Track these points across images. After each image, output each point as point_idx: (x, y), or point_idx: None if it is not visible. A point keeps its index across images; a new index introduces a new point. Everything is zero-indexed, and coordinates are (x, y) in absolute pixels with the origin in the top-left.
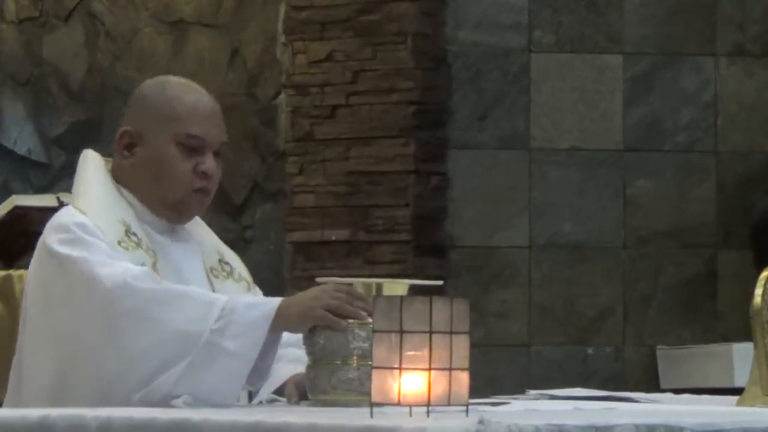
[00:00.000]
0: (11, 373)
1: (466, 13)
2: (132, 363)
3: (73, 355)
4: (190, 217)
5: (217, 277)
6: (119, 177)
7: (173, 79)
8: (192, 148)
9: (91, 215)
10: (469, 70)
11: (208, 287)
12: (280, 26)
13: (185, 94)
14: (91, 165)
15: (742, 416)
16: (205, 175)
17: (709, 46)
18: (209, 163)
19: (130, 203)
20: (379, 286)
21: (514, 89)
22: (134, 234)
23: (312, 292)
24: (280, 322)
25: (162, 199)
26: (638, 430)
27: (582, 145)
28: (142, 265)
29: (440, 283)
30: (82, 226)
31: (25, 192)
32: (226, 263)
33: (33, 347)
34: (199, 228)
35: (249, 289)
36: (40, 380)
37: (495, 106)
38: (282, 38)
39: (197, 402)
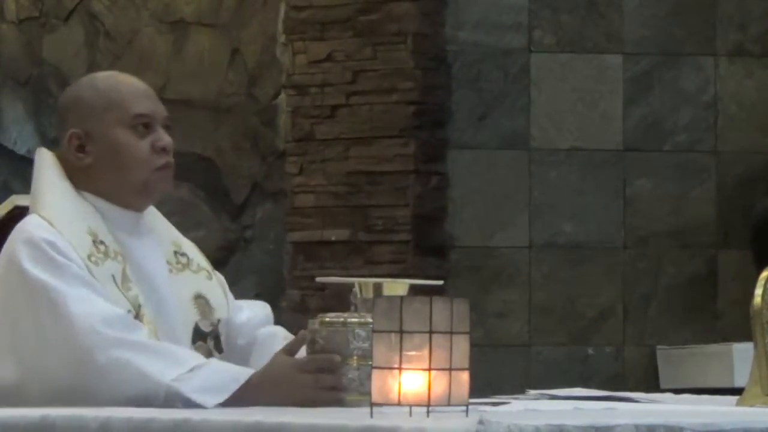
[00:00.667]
0: None
1: (466, 13)
2: (93, 400)
3: (31, 372)
4: (158, 196)
5: (171, 271)
6: (77, 180)
7: (100, 73)
8: (143, 126)
9: (60, 227)
10: (469, 70)
11: (172, 284)
12: (280, 26)
13: (117, 81)
14: (49, 168)
15: (742, 416)
16: (164, 150)
17: (709, 46)
18: (165, 137)
19: (92, 204)
20: (379, 286)
21: (514, 89)
22: (101, 242)
23: (282, 382)
24: (246, 394)
25: (128, 186)
26: (638, 430)
27: (582, 145)
28: (113, 277)
29: (440, 283)
30: (52, 245)
31: (25, 192)
32: (183, 254)
33: None
34: (156, 220)
35: (210, 278)
36: None
37: (495, 106)
38: (282, 38)
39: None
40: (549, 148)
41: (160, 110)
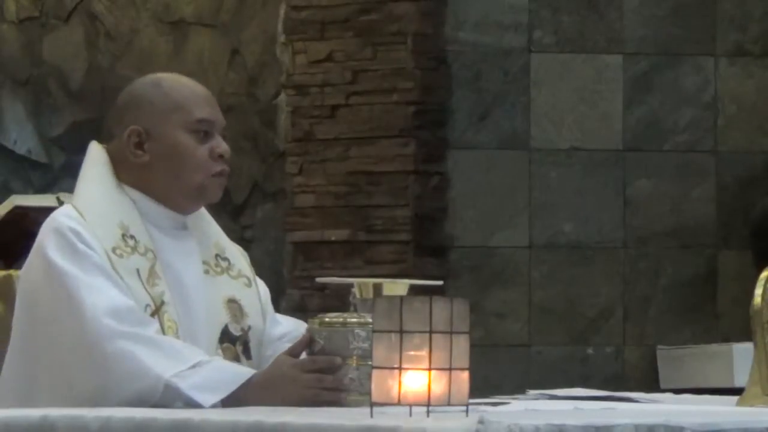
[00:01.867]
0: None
1: (466, 13)
2: (100, 392)
3: (44, 367)
4: (210, 201)
5: (207, 272)
6: (127, 178)
7: (164, 74)
8: (203, 133)
9: (90, 218)
10: (469, 70)
11: (202, 286)
12: (280, 26)
13: (181, 84)
14: (94, 160)
15: (742, 416)
16: (221, 157)
17: (709, 46)
18: (223, 145)
19: (132, 199)
20: (378, 286)
21: (514, 89)
22: (132, 237)
23: (283, 382)
24: (247, 394)
25: (182, 188)
26: (638, 430)
27: (582, 145)
28: (137, 272)
29: (440, 283)
30: (77, 234)
31: (25, 192)
32: (224, 258)
33: (12, 347)
34: (201, 222)
35: (249, 286)
36: (9, 381)
37: (495, 106)
38: (282, 38)
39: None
40: (549, 148)
41: (220, 118)
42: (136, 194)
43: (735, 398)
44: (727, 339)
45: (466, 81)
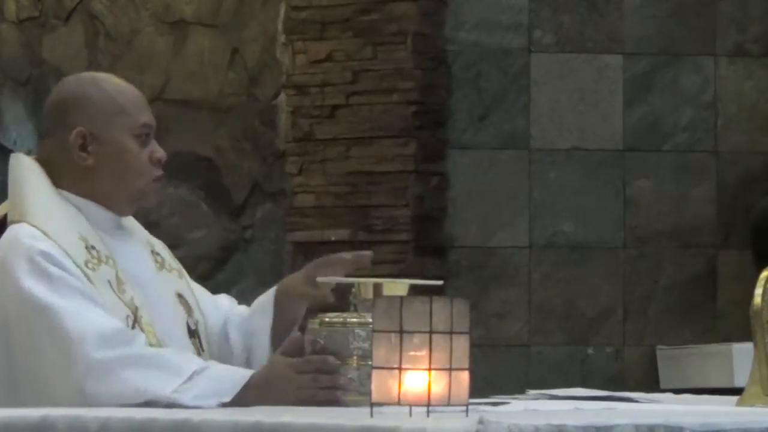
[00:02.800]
0: None
1: (466, 13)
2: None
3: (28, 397)
4: (147, 206)
5: (155, 269)
6: (66, 182)
7: (100, 74)
8: (144, 137)
9: (54, 236)
10: (469, 70)
11: (159, 283)
12: (280, 26)
13: (121, 87)
14: (30, 172)
15: (742, 416)
16: (159, 162)
17: (709, 46)
18: (161, 150)
19: (76, 207)
20: (378, 286)
21: (514, 89)
22: (93, 247)
23: (281, 382)
24: (245, 395)
25: (125, 192)
26: (638, 430)
27: (582, 145)
28: (109, 282)
29: (440, 283)
30: (48, 256)
31: None
32: (157, 253)
33: None
34: (129, 221)
35: (181, 277)
36: None
37: (495, 106)
38: (282, 38)
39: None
40: (549, 148)
41: (154, 121)
42: (79, 200)
43: (735, 398)
44: (727, 339)
45: (466, 81)
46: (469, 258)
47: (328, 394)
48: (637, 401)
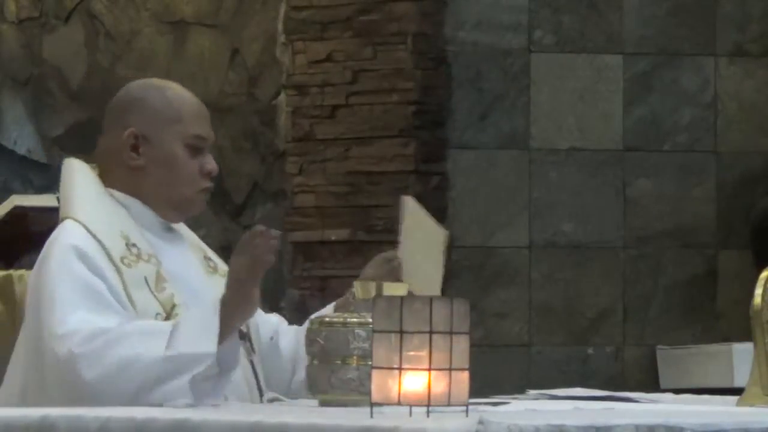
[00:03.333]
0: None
1: (466, 13)
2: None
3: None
4: (192, 215)
5: (205, 273)
6: (115, 181)
7: (168, 82)
8: (197, 148)
9: (94, 231)
10: (469, 70)
11: (209, 287)
12: (280, 26)
13: (184, 97)
14: (80, 174)
15: (742, 416)
16: (209, 174)
17: (709, 46)
18: (213, 163)
19: (125, 207)
20: (379, 287)
21: (514, 89)
22: (134, 245)
23: (234, 268)
24: (229, 310)
25: (169, 200)
26: (638, 430)
27: (582, 145)
28: (145, 279)
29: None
30: (78, 251)
31: (25, 192)
32: (210, 259)
33: (16, 354)
34: (181, 226)
35: None
36: (11, 388)
37: (495, 106)
38: (282, 38)
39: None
40: (549, 148)
41: (212, 135)
42: (126, 199)
43: (735, 398)
44: (727, 339)
45: (466, 81)
46: (469, 258)
47: (267, 253)
48: (637, 401)
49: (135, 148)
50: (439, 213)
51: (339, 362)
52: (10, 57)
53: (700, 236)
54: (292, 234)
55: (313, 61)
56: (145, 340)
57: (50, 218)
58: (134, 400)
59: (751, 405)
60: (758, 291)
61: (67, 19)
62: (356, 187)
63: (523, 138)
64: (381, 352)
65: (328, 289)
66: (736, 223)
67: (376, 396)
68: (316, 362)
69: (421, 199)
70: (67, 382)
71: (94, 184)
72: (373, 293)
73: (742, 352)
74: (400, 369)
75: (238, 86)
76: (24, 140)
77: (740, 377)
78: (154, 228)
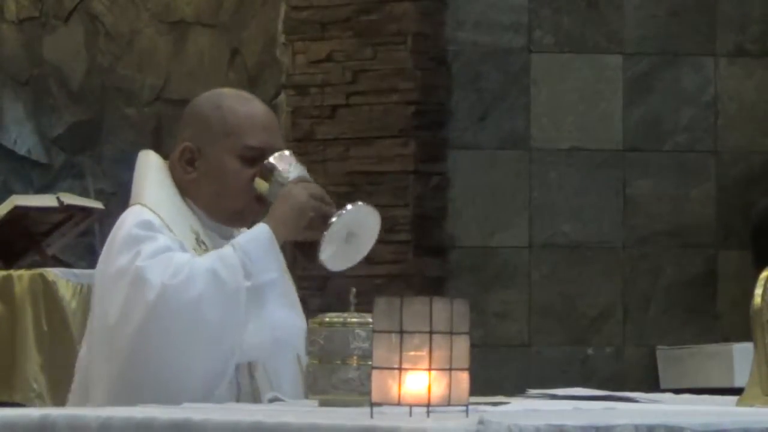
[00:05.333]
0: (77, 368)
1: (466, 13)
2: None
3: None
4: (248, 225)
5: None
6: (182, 188)
7: (227, 92)
8: (252, 159)
9: (166, 220)
10: (469, 70)
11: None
12: (280, 26)
13: (240, 107)
14: (155, 167)
15: (742, 416)
16: None
17: (709, 46)
18: None
19: (193, 211)
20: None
21: (514, 89)
22: (203, 242)
23: (293, 205)
24: (279, 239)
25: (223, 210)
26: (638, 430)
27: (582, 145)
28: None
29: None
30: (147, 224)
31: (25, 192)
32: None
33: (95, 353)
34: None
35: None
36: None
37: (495, 106)
38: (282, 38)
39: (283, 397)
40: (549, 148)
41: (273, 144)
42: (191, 203)
43: (735, 398)
44: (727, 339)
45: (466, 81)
46: (469, 258)
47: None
48: (637, 401)
49: (191, 162)
50: (439, 213)
51: (339, 362)
52: (10, 57)
53: (700, 236)
54: None
55: (313, 61)
56: (224, 274)
57: (50, 218)
58: (220, 328)
59: (751, 405)
60: (758, 291)
61: (67, 19)
62: (356, 187)
63: (523, 138)
64: (381, 352)
65: (328, 289)
66: (736, 223)
67: (376, 396)
68: (316, 362)
69: (421, 198)
70: (167, 309)
71: (168, 180)
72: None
73: (742, 352)
74: (400, 369)
75: (238, 86)
76: (24, 140)
77: (740, 377)
78: (220, 232)
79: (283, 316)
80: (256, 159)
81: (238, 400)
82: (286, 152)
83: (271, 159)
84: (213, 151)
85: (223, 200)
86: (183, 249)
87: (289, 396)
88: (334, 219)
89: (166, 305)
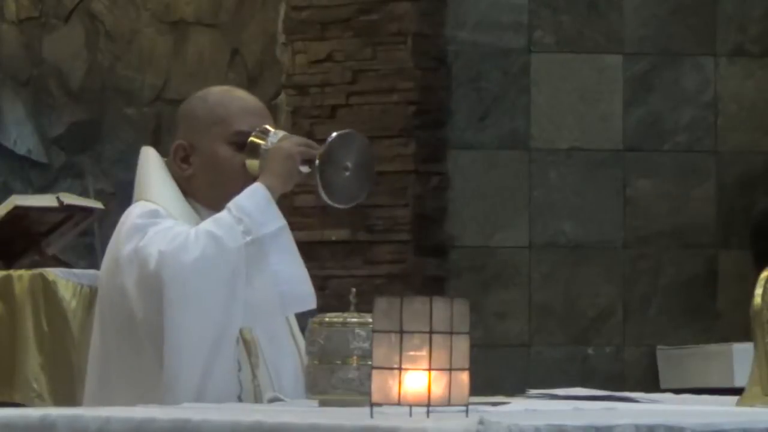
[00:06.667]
0: (90, 367)
1: (466, 13)
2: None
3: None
4: None
5: None
6: (181, 187)
7: (215, 89)
8: (243, 144)
9: (169, 209)
10: (469, 70)
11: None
12: (280, 26)
13: (227, 98)
14: (158, 165)
15: (742, 416)
16: None
17: (709, 46)
18: None
19: (196, 210)
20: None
21: (514, 89)
22: None
23: (281, 156)
24: (275, 192)
25: (222, 197)
26: (638, 430)
27: (582, 145)
28: None
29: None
30: (151, 213)
31: (25, 192)
32: None
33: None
34: None
35: None
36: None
37: (495, 106)
38: (282, 38)
39: (283, 397)
40: (549, 148)
41: (261, 127)
42: (197, 205)
43: (735, 398)
44: (727, 339)
45: (466, 81)
46: (469, 258)
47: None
48: (637, 401)
49: (185, 159)
50: (439, 213)
51: (339, 362)
52: (10, 57)
53: (700, 236)
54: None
55: (313, 61)
56: (222, 233)
57: (50, 218)
58: (228, 284)
59: (751, 405)
60: (758, 291)
61: (67, 19)
62: None
63: (523, 138)
64: (381, 352)
65: (328, 289)
66: (736, 223)
67: (376, 396)
68: (316, 362)
69: (421, 198)
70: (169, 276)
71: (170, 181)
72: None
73: (742, 352)
74: (400, 369)
75: (238, 86)
76: (24, 140)
77: (740, 377)
78: None
79: (287, 270)
80: (245, 143)
81: (240, 398)
82: (266, 126)
83: (253, 136)
84: (204, 143)
85: (220, 188)
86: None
87: (285, 356)
88: (318, 153)
89: (166, 270)
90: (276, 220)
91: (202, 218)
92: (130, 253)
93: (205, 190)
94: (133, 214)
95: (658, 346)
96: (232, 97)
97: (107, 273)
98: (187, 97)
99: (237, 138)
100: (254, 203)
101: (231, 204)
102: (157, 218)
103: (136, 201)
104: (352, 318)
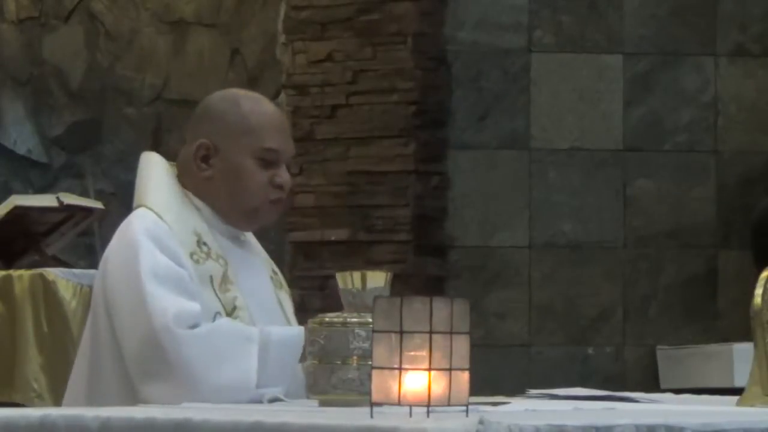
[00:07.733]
0: (76, 365)
1: (466, 13)
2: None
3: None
4: (261, 225)
5: (274, 286)
6: (189, 185)
7: (242, 92)
8: (268, 161)
9: (168, 221)
10: (469, 70)
11: (274, 296)
12: (280, 26)
13: (259, 109)
14: (158, 168)
15: (742, 416)
16: (280, 187)
17: (709, 46)
18: (284, 175)
19: (198, 209)
20: (363, 276)
21: (514, 89)
22: (204, 244)
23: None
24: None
25: (237, 209)
26: (638, 430)
27: (582, 145)
28: (210, 278)
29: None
30: (156, 239)
31: (25, 192)
32: (276, 273)
33: (82, 355)
34: (253, 240)
35: (290, 297)
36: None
37: (495, 106)
38: (282, 38)
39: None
40: (549, 148)
41: (288, 148)
42: (199, 203)
43: (735, 398)
44: (727, 339)
45: (466, 81)
46: (469, 258)
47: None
48: (637, 401)
49: (206, 159)
50: (439, 213)
51: (339, 362)
52: (10, 57)
53: (700, 236)
54: (292, 234)
55: (313, 61)
56: (237, 355)
57: (50, 218)
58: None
59: (751, 405)
60: (758, 291)
61: (67, 19)
62: (356, 187)
63: (523, 138)
64: (381, 352)
65: (328, 289)
66: (736, 223)
67: (376, 396)
68: (316, 362)
69: (421, 198)
70: (166, 353)
71: (171, 181)
72: (352, 284)
73: (742, 352)
74: (400, 369)
75: (238, 86)
76: (24, 140)
77: (740, 377)
78: (225, 233)
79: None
80: (271, 161)
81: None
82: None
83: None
84: (231, 150)
85: (238, 200)
86: (179, 264)
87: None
88: None
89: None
90: (285, 382)
91: (205, 221)
92: (135, 298)
93: (223, 197)
94: (133, 227)
95: (658, 346)
96: (264, 111)
97: (102, 279)
98: (187, 97)
99: (264, 154)
100: (285, 353)
101: (271, 335)
102: (155, 241)
103: (137, 206)
104: (352, 318)
